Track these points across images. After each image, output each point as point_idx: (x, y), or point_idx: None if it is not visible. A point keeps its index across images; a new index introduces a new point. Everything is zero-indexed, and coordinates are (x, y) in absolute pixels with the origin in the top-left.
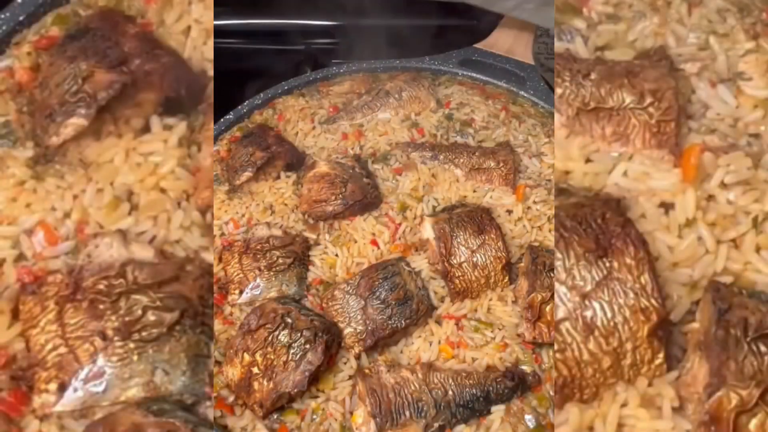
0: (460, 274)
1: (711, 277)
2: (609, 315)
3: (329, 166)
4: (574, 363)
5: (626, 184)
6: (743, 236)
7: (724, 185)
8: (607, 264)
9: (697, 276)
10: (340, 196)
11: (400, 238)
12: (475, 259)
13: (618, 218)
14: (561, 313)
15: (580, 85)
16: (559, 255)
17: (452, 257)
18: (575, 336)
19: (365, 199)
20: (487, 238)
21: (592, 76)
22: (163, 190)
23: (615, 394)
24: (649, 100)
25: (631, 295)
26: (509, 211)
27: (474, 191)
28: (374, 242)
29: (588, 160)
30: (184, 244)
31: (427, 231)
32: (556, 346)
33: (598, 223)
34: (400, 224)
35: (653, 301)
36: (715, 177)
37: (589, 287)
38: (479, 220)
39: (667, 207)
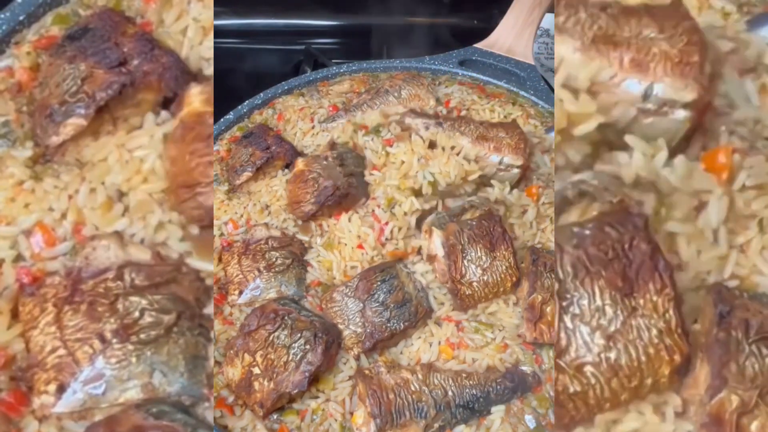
0: (470, 292)
1: (720, 282)
2: (633, 355)
3: (304, 163)
4: (594, 402)
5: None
6: (750, 240)
7: (744, 188)
8: (633, 303)
9: (711, 282)
10: (314, 194)
11: (387, 239)
12: (486, 278)
13: (645, 245)
14: (586, 357)
15: (596, 15)
16: (584, 293)
17: (462, 277)
18: (599, 378)
19: (338, 191)
20: (498, 254)
21: (609, 10)
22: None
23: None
24: (670, 32)
25: (655, 332)
26: (524, 212)
27: (478, 161)
28: (360, 246)
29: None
30: (171, 246)
31: (437, 246)
32: (578, 388)
33: (624, 250)
34: (387, 222)
35: (677, 338)
36: (738, 179)
37: (613, 327)
38: (491, 232)
39: (698, 210)
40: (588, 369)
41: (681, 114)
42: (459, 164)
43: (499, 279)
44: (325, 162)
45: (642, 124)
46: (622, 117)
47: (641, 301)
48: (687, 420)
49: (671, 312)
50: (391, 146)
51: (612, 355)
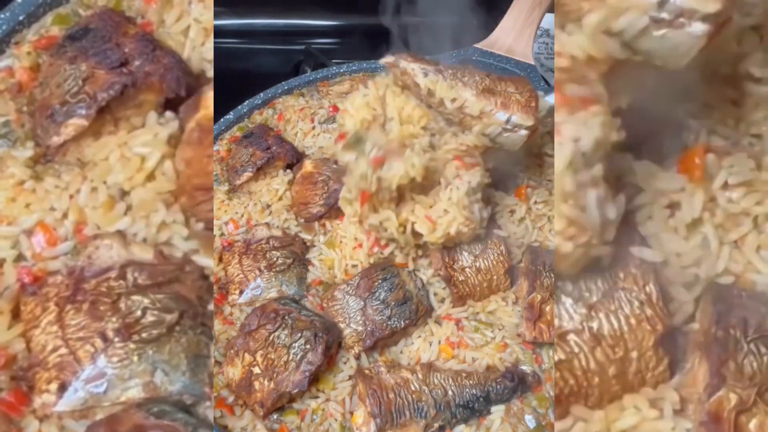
0: (463, 278)
1: (713, 278)
2: (615, 325)
3: (313, 165)
4: (581, 372)
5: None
6: (745, 237)
7: (726, 186)
8: (613, 274)
9: (702, 277)
10: (324, 196)
11: (387, 254)
12: (478, 264)
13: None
14: (568, 325)
15: None
16: None
17: (455, 263)
18: (582, 346)
19: None
20: (489, 242)
21: None
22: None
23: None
24: None
25: (636, 304)
26: (512, 212)
27: (483, 117)
28: (356, 248)
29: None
30: (175, 245)
31: None
32: (563, 356)
33: None
34: (386, 245)
35: (658, 310)
36: (718, 178)
37: (594, 298)
38: None
39: (673, 208)
40: (571, 337)
41: (698, 28)
42: (474, 221)
43: (491, 265)
44: (334, 165)
45: (652, 37)
46: (630, 26)
47: (621, 274)
48: (686, 418)
49: (651, 285)
50: (381, 167)
51: (594, 324)
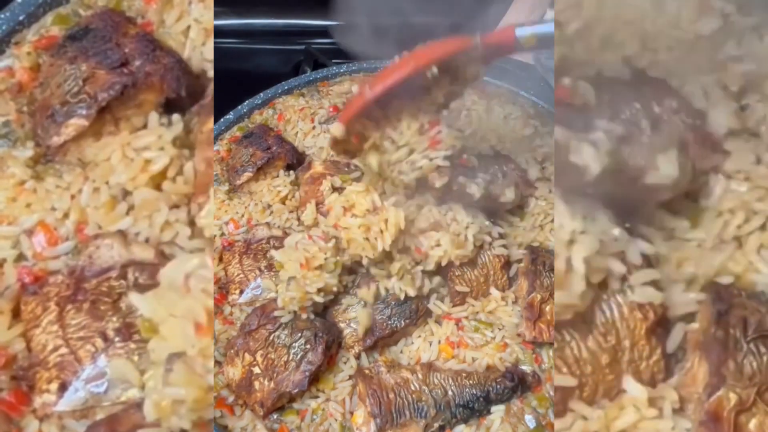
0: (459, 273)
1: (711, 277)
2: (607, 313)
3: (324, 166)
4: (573, 360)
5: None
6: (746, 236)
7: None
8: None
9: (700, 275)
10: None
11: None
12: (474, 259)
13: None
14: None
15: None
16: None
17: None
18: (574, 334)
19: None
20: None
21: None
22: (158, 188)
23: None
24: None
25: (629, 292)
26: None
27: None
28: None
29: None
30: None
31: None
32: (555, 345)
33: None
34: None
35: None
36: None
37: None
38: None
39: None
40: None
41: None
42: (467, 252)
43: (487, 260)
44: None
45: None
46: None
47: None
48: (685, 417)
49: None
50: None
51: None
